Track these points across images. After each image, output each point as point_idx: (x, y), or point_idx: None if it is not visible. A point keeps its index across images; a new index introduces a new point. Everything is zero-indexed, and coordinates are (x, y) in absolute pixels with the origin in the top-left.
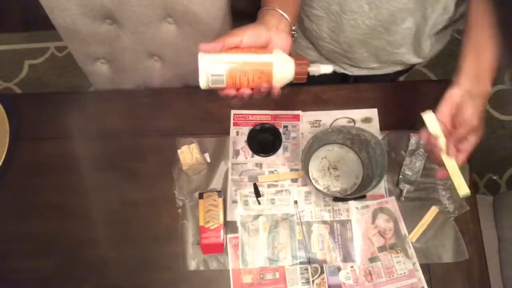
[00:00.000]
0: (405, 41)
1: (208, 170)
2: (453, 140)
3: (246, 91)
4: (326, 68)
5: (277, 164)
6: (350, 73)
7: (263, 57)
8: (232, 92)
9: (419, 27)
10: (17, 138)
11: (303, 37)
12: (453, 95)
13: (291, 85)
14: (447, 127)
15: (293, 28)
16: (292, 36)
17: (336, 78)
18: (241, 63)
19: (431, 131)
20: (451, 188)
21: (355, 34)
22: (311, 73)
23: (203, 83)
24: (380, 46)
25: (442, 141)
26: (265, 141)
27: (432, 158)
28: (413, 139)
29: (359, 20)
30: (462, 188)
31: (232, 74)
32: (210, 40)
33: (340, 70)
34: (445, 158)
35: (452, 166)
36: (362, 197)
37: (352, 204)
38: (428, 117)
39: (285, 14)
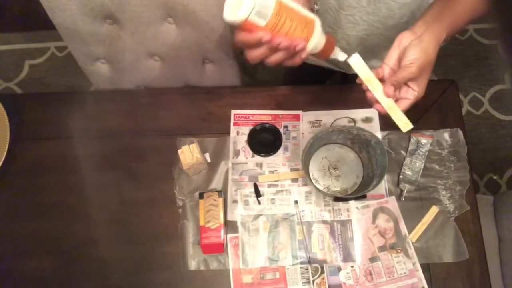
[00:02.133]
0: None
1: (208, 170)
2: (391, 81)
3: (284, 42)
4: (342, 56)
5: (278, 164)
6: (346, 72)
7: (307, 12)
8: (267, 36)
9: (416, 19)
10: (17, 138)
11: None
12: (403, 39)
13: (291, 83)
14: (393, 70)
15: (316, 7)
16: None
17: (336, 77)
18: (288, 6)
19: (360, 75)
20: (451, 188)
21: (353, 31)
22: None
23: (245, 11)
24: (378, 42)
25: (376, 83)
26: (265, 141)
27: (369, 101)
28: (414, 139)
29: (357, 16)
30: (404, 124)
31: (279, 13)
32: (211, 40)
33: (336, 68)
34: (381, 97)
35: (390, 105)
36: (363, 197)
37: (353, 204)
38: (354, 61)
39: None
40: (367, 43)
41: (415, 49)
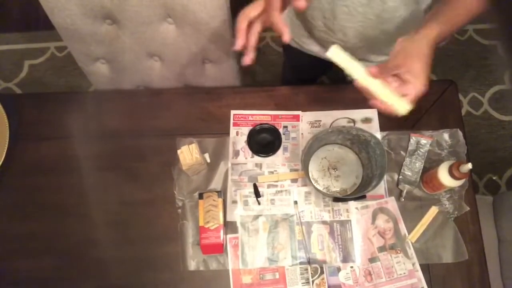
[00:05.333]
0: (400, 31)
1: (208, 170)
2: (383, 69)
3: None
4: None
5: (277, 164)
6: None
7: None
8: None
9: (414, 14)
10: (17, 138)
11: (300, 25)
12: (398, 44)
13: (290, 81)
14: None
15: None
16: None
17: (333, 73)
18: None
19: (341, 65)
20: (450, 189)
21: (349, 22)
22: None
23: None
24: (375, 35)
25: (359, 71)
26: (265, 141)
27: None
28: (413, 139)
29: (352, 7)
30: (401, 105)
31: None
32: (211, 40)
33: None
34: (369, 83)
35: (380, 89)
36: (362, 198)
37: (352, 204)
38: (333, 53)
39: None
40: (364, 36)
41: (401, 41)
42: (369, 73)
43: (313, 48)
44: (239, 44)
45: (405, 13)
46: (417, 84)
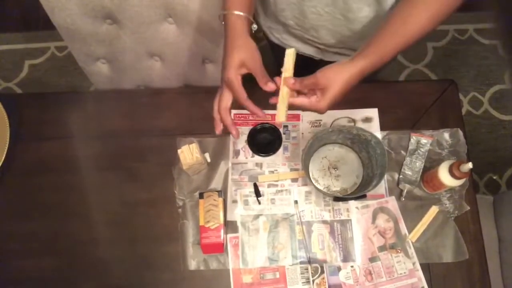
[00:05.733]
0: (367, 29)
1: (208, 170)
2: (298, 82)
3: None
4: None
5: (277, 164)
6: (327, 59)
7: None
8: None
9: (379, 15)
10: (17, 138)
11: (277, 22)
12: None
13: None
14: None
15: (253, 26)
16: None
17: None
18: None
19: (285, 64)
20: (451, 188)
21: (319, 21)
22: None
23: None
24: (345, 33)
25: (288, 74)
26: (265, 141)
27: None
28: (413, 139)
29: (319, 7)
30: (280, 115)
31: None
32: (211, 40)
33: (317, 56)
34: (282, 85)
35: (284, 96)
36: (362, 197)
37: (352, 204)
38: (289, 52)
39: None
40: (335, 34)
41: (336, 64)
42: (285, 80)
43: (294, 44)
44: (220, 131)
45: (370, 13)
46: (320, 103)
